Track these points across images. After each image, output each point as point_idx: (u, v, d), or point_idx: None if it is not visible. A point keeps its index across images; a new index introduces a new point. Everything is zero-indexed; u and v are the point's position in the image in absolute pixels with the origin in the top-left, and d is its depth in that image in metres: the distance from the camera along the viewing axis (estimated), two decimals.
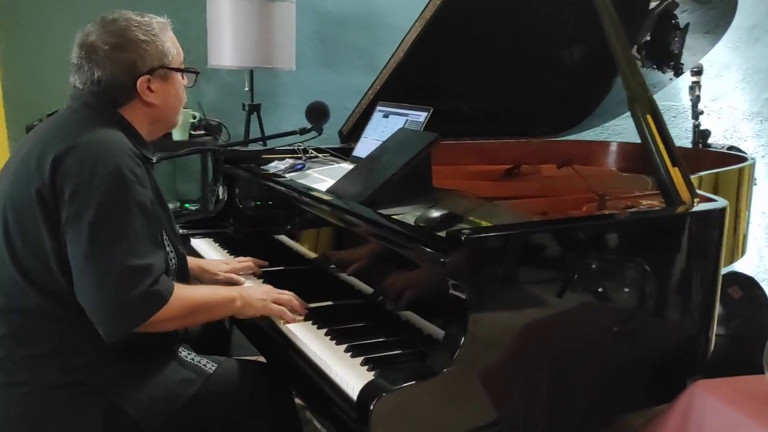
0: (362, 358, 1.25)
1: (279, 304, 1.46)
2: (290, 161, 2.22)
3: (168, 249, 1.42)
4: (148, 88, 1.38)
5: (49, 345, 1.29)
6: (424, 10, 1.93)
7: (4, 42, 2.66)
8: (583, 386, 1.27)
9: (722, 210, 1.39)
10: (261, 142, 2.36)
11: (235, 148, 2.24)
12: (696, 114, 2.68)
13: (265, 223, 2.14)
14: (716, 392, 1.29)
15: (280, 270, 1.81)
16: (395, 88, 2.19)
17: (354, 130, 2.28)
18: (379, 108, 2.17)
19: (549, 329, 1.20)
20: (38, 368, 1.29)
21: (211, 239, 2.12)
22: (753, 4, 3.07)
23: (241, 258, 1.82)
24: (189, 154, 2.21)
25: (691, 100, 2.69)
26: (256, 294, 1.49)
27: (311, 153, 2.26)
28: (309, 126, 2.14)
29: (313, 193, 1.71)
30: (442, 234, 1.20)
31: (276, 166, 2.19)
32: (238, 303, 1.44)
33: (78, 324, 1.27)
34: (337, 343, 1.33)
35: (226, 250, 1.98)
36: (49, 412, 1.29)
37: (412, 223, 1.41)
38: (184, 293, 1.35)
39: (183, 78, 1.47)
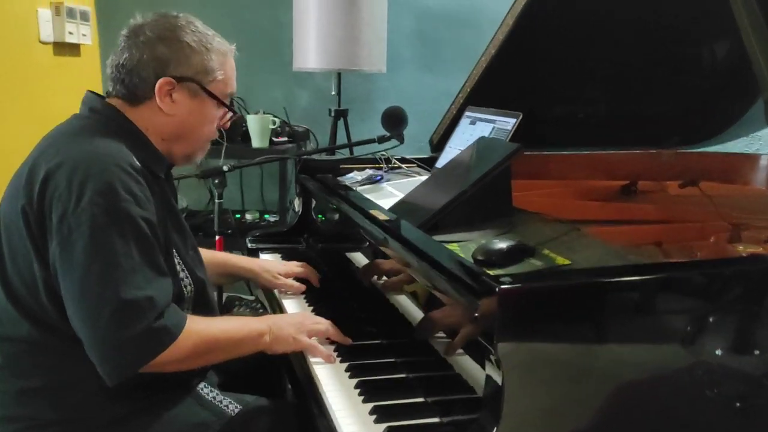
0: (386, 426, 1.00)
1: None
2: (369, 172, 2.02)
3: (182, 275, 1.24)
4: (169, 94, 1.22)
5: (42, 378, 1.15)
6: None
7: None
8: None
9: None
10: (334, 151, 2.17)
11: (311, 156, 2.06)
12: None
13: (336, 239, 1.94)
14: None
15: (330, 294, 1.60)
16: (490, 91, 1.92)
17: (444, 138, 2.04)
18: (466, 114, 1.90)
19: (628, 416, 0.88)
20: (32, 403, 1.15)
21: (279, 255, 1.95)
22: None
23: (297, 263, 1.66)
24: (260, 163, 2.06)
25: None
26: (288, 327, 1.28)
27: (394, 163, 2.05)
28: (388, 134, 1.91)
29: (369, 211, 1.48)
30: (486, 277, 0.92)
31: (353, 177, 1.99)
32: (266, 338, 1.24)
33: (72, 357, 1.11)
34: (363, 401, 1.09)
35: None
36: None
37: (468, 256, 1.14)
38: (200, 327, 1.16)
39: (216, 109, 1.28)
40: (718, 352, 0.97)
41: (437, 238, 1.29)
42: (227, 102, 1.31)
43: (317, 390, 1.16)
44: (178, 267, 1.23)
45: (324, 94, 2.49)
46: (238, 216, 2.39)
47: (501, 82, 1.88)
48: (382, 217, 1.43)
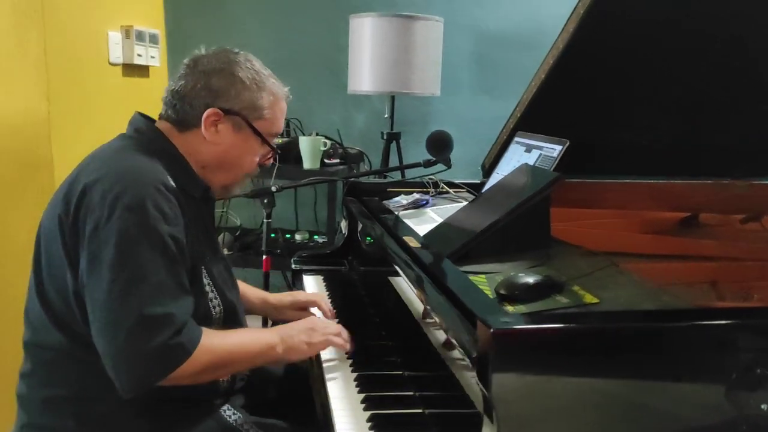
0: None
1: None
2: (416, 196, 1.99)
3: (211, 295, 1.25)
4: (215, 124, 1.24)
5: (68, 388, 1.18)
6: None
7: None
8: None
9: None
10: (385, 174, 2.15)
11: (357, 179, 2.05)
12: None
13: (380, 263, 1.91)
14: None
15: (362, 318, 1.58)
16: (542, 116, 1.86)
17: (495, 164, 1.99)
18: (516, 139, 1.85)
19: None
20: (56, 413, 1.18)
21: (322, 277, 1.94)
22: None
23: (309, 294, 1.64)
24: (305, 185, 2.06)
25: None
26: (299, 335, 1.28)
27: (442, 188, 2.02)
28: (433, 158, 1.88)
29: (403, 237, 1.44)
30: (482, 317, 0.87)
31: (398, 201, 1.97)
32: (278, 349, 1.25)
33: (98, 369, 1.12)
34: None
35: (328, 291, 1.80)
36: None
37: (492, 290, 1.09)
38: (214, 343, 1.17)
39: (259, 146, 1.30)
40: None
41: (466, 268, 1.25)
42: (271, 142, 1.31)
43: (330, 420, 1.14)
44: (207, 287, 1.24)
45: (379, 117, 2.49)
46: (288, 236, 2.41)
47: (552, 106, 1.81)
48: (413, 243, 1.40)
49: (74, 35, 2.23)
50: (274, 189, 2.02)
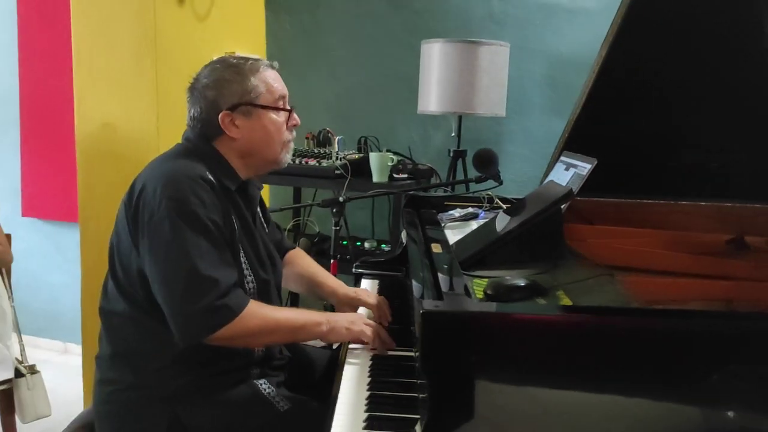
0: None
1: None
2: (470, 210, 2.13)
3: (246, 272, 1.47)
4: (232, 122, 1.47)
5: (129, 345, 1.45)
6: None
7: None
8: None
9: None
10: (451, 188, 2.30)
11: (417, 192, 2.21)
12: None
13: None
14: None
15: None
16: (588, 136, 1.93)
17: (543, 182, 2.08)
18: (561, 159, 1.94)
19: None
20: (120, 367, 1.45)
21: (377, 281, 2.12)
22: None
23: (373, 296, 1.77)
24: (369, 196, 2.25)
25: None
26: (342, 321, 1.48)
27: (495, 203, 2.14)
28: (482, 174, 2.01)
29: (431, 244, 1.59)
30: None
31: (452, 214, 2.12)
32: (323, 327, 1.45)
33: (153, 331, 1.41)
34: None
35: (380, 294, 1.96)
36: (125, 412, 1.44)
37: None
38: (265, 311, 1.41)
39: (275, 115, 1.51)
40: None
41: (478, 273, 1.39)
42: (281, 105, 1.52)
43: (337, 393, 1.31)
44: (243, 266, 1.46)
45: (451, 136, 2.63)
46: (359, 243, 2.60)
47: (593, 127, 1.89)
48: (436, 249, 1.55)
49: (181, 61, 2.57)
50: (341, 199, 2.23)
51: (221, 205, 1.41)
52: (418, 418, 1.12)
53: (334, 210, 2.22)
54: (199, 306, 1.31)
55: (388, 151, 2.54)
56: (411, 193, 2.20)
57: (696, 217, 2.06)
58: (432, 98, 2.40)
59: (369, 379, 1.36)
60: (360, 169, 2.49)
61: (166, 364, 1.41)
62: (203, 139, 1.49)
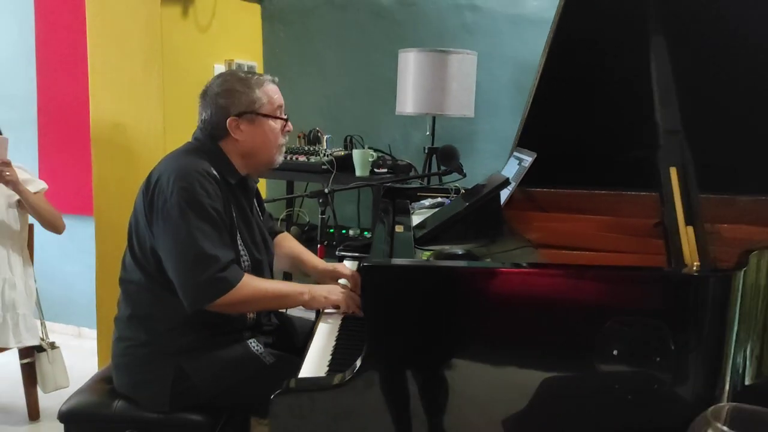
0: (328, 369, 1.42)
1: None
2: (440, 199, 2.42)
3: (242, 253, 1.77)
4: (238, 127, 1.76)
5: (143, 309, 1.75)
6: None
7: None
8: None
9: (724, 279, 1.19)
10: (426, 180, 2.59)
11: (394, 185, 2.50)
12: None
13: None
14: None
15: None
16: (534, 133, 2.19)
17: None
18: (514, 154, 2.22)
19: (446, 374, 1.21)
20: (135, 327, 1.75)
21: (358, 262, 2.41)
22: None
23: (348, 269, 2.05)
24: (350, 188, 2.53)
25: None
26: (321, 291, 1.78)
27: (462, 192, 2.43)
28: (447, 168, 2.30)
29: (395, 226, 1.89)
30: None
31: (423, 203, 2.41)
32: (306, 296, 1.75)
33: (163, 298, 1.70)
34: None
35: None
36: (139, 364, 1.74)
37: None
38: (256, 283, 1.71)
39: (273, 123, 1.80)
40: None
41: (430, 246, 1.68)
42: (279, 114, 1.81)
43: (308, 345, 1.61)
44: (240, 247, 1.76)
45: (426, 135, 2.92)
46: (344, 231, 2.90)
47: (539, 124, 2.16)
48: (398, 229, 1.85)
49: (185, 68, 2.87)
50: (326, 191, 2.52)
51: (223, 196, 1.71)
52: None
53: (320, 200, 2.51)
54: (203, 278, 1.61)
55: (370, 148, 2.83)
56: (388, 185, 2.50)
57: (637, 206, 2.34)
58: (408, 101, 2.69)
59: (337, 335, 1.66)
60: (345, 164, 2.79)
61: (174, 326, 1.71)
62: (211, 139, 1.78)
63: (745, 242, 1.68)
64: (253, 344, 1.80)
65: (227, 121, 1.76)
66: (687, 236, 1.23)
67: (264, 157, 1.83)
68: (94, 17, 2.88)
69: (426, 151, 2.80)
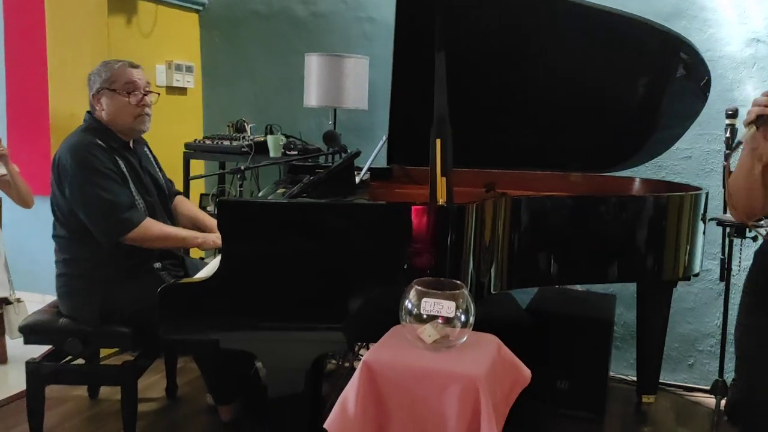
0: None
1: None
2: None
3: (136, 197, 2.36)
4: (99, 101, 2.37)
5: (72, 253, 2.35)
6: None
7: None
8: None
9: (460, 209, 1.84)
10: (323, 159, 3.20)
11: (298, 163, 3.10)
12: (726, 155, 2.68)
13: None
14: None
15: None
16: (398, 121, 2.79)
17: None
18: (383, 137, 2.83)
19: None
20: (70, 265, 2.34)
21: None
22: None
23: None
24: (260, 166, 3.15)
25: (724, 142, 2.71)
26: (212, 237, 2.39)
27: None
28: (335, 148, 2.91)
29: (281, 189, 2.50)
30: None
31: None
32: (199, 240, 2.37)
33: (85, 243, 2.30)
34: None
35: None
36: (74, 293, 2.34)
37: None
38: (160, 226, 2.33)
39: (126, 97, 2.37)
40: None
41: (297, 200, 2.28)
42: (129, 89, 2.38)
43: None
44: (133, 192, 2.35)
45: (339, 126, 3.51)
46: None
47: (400, 114, 2.76)
48: (280, 191, 2.45)
49: None
50: (242, 167, 3.12)
51: (110, 158, 2.31)
52: None
53: (238, 176, 3.10)
54: (110, 221, 2.22)
55: (283, 134, 3.43)
56: (292, 163, 3.09)
57: (484, 177, 2.94)
58: (312, 96, 3.29)
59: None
60: (261, 148, 3.38)
61: (97, 262, 2.31)
62: (91, 116, 2.39)
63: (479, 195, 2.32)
64: (163, 273, 2.39)
65: (91, 97, 2.37)
66: (441, 184, 1.83)
67: (123, 124, 2.41)
68: (53, 24, 3.43)
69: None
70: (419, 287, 1.56)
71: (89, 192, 2.22)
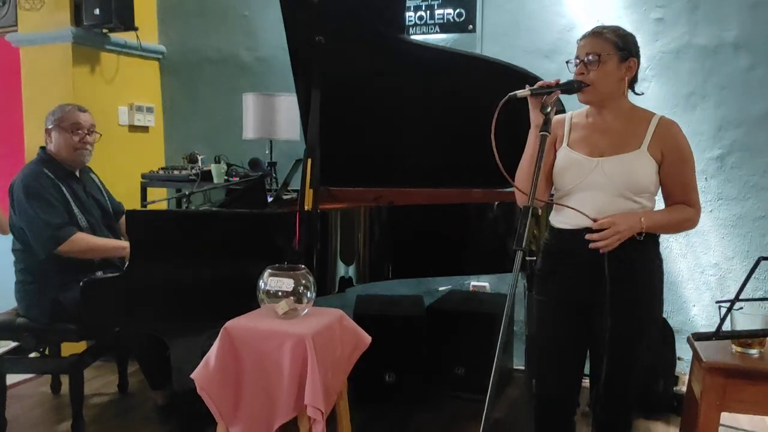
0: None
1: None
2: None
3: (80, 217, 2.84)
4: (49, 136, 2.89)
5: (26, 263, 2.83)
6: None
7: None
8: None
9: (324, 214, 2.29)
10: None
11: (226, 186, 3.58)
12: None
13: None
14: None
15: None
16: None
17: None
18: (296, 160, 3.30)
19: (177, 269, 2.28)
20: (25, 273, 2.82)
21: None
22: (690, 73, 3.36)
23: None
24: (202, 191, 3.63)
25: None
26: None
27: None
28: (259, 174, 3.39)
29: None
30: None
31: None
32: (126, 251, 2.78)
33: (35, 255, 2.76)
34: None
35: None
36: (28, 297, 2.81)
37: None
38: (88, 239, 2.81)
39: (70, 135, 2.88)
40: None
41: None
42: (74, 129, 2.88)
43: None
44: (76, 212, 2.83)
45: (279, 154, 4.00)
46: None
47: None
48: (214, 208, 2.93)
49: (93, 109, 3.91)
50: (186, 192, 3.61)
51: (55, 185, 2.80)
52: None
53: (184, 200, 3.60)
54: (45, 236, 2.70)
55: (226, 163, 3.92)
56: (230, 187, 3.57)
57: (386, 194, 3.40)
58: (250, 129, 3.79)
59: None
60: (207, 176, 3.87)
61: (45, 271, 2.78)
62: (44, 151, 2.91)
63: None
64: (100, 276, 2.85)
65: (45, 132, 2.87)
66: (309, 195, 2.29)
67: (66, 157, 2.92)
68: (27, 73, 3.97)
69: (267, 165, 3.88)
70: (271, 270, 2.02)
71: (30, 213, 2.73)
